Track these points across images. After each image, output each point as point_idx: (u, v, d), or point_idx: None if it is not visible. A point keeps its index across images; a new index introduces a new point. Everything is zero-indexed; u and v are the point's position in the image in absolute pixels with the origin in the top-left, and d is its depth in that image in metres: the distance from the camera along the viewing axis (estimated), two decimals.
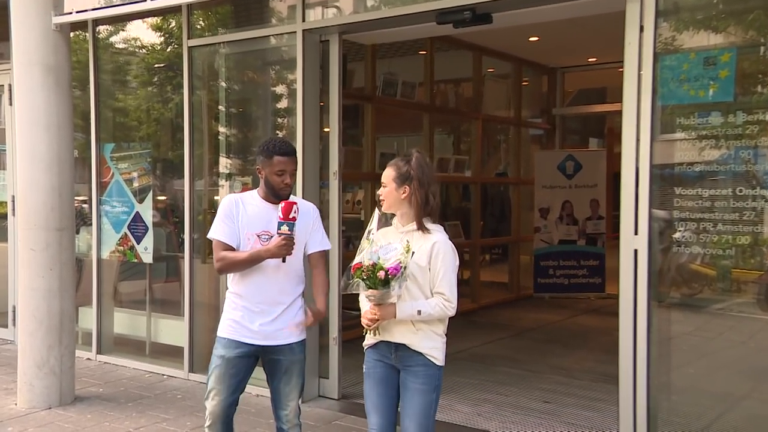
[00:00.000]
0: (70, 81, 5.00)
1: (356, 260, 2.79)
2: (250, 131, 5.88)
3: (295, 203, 3.01)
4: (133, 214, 5.83)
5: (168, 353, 5.78)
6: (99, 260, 6.04)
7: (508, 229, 9.40)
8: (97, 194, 6.01)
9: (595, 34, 6.93)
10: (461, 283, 8.48)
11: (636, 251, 3.64)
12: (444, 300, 2.78)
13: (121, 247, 5.91)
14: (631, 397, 3.66)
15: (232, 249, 3.09)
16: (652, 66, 3.59)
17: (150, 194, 5.79)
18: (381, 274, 2.67)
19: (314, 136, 5.01)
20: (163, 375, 5.62)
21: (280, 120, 5.90)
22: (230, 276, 3.18)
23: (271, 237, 3.06)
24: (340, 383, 4.98)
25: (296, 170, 3.12)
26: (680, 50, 3.63)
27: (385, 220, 2.94)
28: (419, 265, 2.77)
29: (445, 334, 2.89)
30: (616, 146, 12.35)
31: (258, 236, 3.09)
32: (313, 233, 3.20)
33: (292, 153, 3.10)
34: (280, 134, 5.76)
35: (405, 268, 2.68)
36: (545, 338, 7.02)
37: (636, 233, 3.64)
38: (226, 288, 3.24)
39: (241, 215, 3.11)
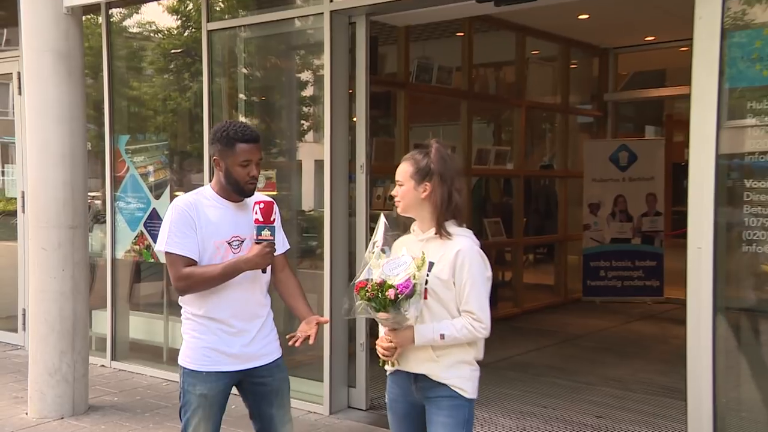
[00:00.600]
0: (83, 69, 5.04)
1: (359, 277, 2.52)
2: (273, 121, 5.88)
3: (274, 203, 2.82)
4: (149, 210, 5.87)
5: None
6: (113, 260, 6.09)
7: (554, 227, 9.29)
8: (111, 190, 6.07)
9: (654, 9, 6.77)
10: (503, 285, 8.58)
11: (700, 249, 3.52)
12: (473, 320, 2.49)
13: (137, 247, 5.96)
14: (700, 412, 3.55)
15: (194, 264, 2.80)
16: (719, 44, 3.46)
17: (167, 189, 5.82)
18: (390, 293, 2.39)
19: (343, 126, 4.98)
20: None
21: (305, 109, 5.89)
22: (190, 295, 2.86)
23: (242, 242, 2.84)
24: (368, 393, 4.96)
25: (261, 160, 2.87)
26: (752, 25, 3.50)
27: (397, 227, 2.71)
28: (440, 278, 2.50)
29: (477, 362, 2.61)
30: (676, 134, 12.20)
31: (229, 244, 2.83)
32: (278, 232, 2.93)
33: (257, 139, 2.85)
34: (307, 124, 5.73)
35: (416, 284, 2.41)
36: (596, 346, 6.90)
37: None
38: (180, 308, 2.93)
39: (203, 221, 2.81)
